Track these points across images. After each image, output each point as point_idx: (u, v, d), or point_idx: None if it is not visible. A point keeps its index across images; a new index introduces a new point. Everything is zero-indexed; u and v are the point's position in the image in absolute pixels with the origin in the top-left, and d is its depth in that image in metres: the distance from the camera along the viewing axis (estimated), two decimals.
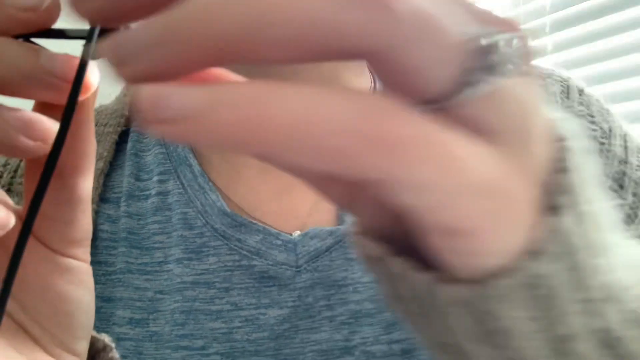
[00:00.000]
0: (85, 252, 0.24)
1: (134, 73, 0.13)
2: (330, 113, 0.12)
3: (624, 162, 0.38)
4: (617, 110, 0.96)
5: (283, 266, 0.36)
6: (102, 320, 0.36)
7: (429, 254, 0.16)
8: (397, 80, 0.14)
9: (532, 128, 0.15)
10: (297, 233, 0.37)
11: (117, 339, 0.35)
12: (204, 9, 0.12)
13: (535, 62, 0.44)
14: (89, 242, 0.24)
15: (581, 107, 0.40)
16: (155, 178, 0.40)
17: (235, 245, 0.37)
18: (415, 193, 0.13)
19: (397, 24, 0.12)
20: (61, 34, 0.19)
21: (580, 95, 0.41)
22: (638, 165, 0.38)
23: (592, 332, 0.17)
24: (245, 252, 0.37)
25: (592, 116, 0.39)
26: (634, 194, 0.36)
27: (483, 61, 0.13)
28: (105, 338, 0.27)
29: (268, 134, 0.12)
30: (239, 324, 0.35)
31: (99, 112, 0.45)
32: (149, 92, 0.12)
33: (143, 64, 0.13)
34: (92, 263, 0.38)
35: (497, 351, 0.17)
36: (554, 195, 0.15)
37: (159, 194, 0.39)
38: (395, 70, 0.13)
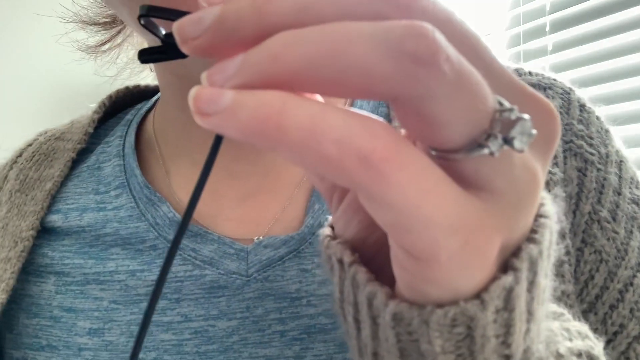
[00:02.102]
0: None
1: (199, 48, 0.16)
2: (332, 129, 0.14)
3: (618, 193, 0.37)
4: (617, 111, 0.96)
5: (234, 275, 0.35)
6: (55, 328, 0.36)
7: (384, 266, 0.19)
8: (416, 127, 0.16)
9: (528, 199, 0.17)
10: (258, 239, 0.36)
11: (79, 349, 0.35)
12: (283, 45, 0.15)
13: (539, 69, 0.42)
14: None
15: (580, 127, 0.38)
16: (112, 192, 0.40)
17: (189, 255, 0.36)
18: (386, 212, 0.15)
19: (439, 81, 0.14)
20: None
21: (580, 112, 0.39)
22: (630, 199, 0.37)
23: None
24: (198, 262, 0.36)
25: (591, 138, 0.38)
26: (625, 230, 0.36)
27: (504, 131, 0.15)
28: None
29: (281, 136, 0.14)
30: (189, 336, 0.34)
31: (71, 126, 0.45)
32: (198, 91, 0.15)
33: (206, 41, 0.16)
34: (52, 274, 0.37)
35: None
36: (517, 259, 0.18)
37: (114, 208, 0.39)
38: (419, 119, 0.15)
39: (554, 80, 0.41)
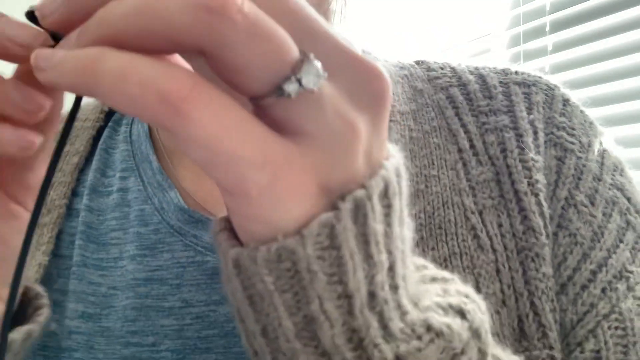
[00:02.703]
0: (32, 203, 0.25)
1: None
2: (137, 73, 0.16)
3: (598, 179, 0.37)
4: (617, 111, 0.96)
5: None
6: (55, 312, 0.36)
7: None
8: (225, 78, 0.18)
9: (343, 145, 0.18)
10: None
11: (69, 332, 0.35)
12: (105, 9, 0.18)
13: (529, 67, 0.42)
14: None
15: (562, 119, 0.39)
16: (118, 175, 0.40)
17: (190, 242, 0.36)
18: (193, 149, 0.17)
19: (232, 30, 0.16)
20: None
21: (564, 106, 0.40)
22: (612, 184, 0.37)
23: (338, 322, 0.19)
24: (200, 248, 0.36)
25: (573, 129, 0.39)
26: (604, 214, 0.36)
27: (296, 73, 0.17)
28: (37, 287, 0.29)
29: (97, 81, 0.17)
30: (190, 321, 0.35)
31: (82, 106, 0.46)
32: (38, 51, 0.18)
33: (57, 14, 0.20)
34: (57, 256, 0.38)
35: (256, 315, 0.20)
36: (341, 200, 0.19)
37: (119, 190, 0.40)
38: (223, 68, 0.17)
39: (539, 77, 0.42)
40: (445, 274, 0.25)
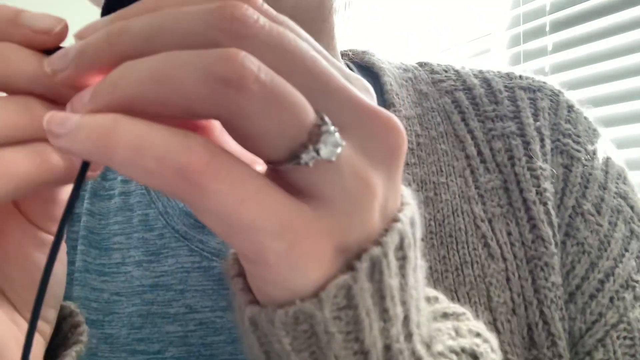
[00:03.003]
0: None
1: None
2: (152, 146, 0.16)
3: (603, 187, 0.38)
4: (617, 111, 0.96)
5: None
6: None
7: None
8: (241, 143, 0.18)
9: (360, 205, 0.18)
10: None
11: None
12: (119, 74, 0.17)
13: (531, 72, 0.43)
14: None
15: (568, 126, 0.39)
16: (119, 178, 0.40)
17: (196, 247, 0.36)
18: (211, 220, 0.17)
19: (249, 100, 0.16)
20: None
21: (568, 112, 0.40)
22: (616, 193, 0.38)
23: None
24: (206, 254, 0.36)
25: (578, 136, 0.39)
26: (609, 222, 0.37)
27: (313, 142, 0.17)
28: (71, 305, 0.29)
29: (112, 152, 0.16)
30: (194, 327, 0.34)
31: None
32: (51, 115, 0.17)
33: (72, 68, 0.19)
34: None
35: None
36: (358, 260, 0.19)
37: (121, 194, 0.39)
38: (239, 135, 0.17)
39: (544, 82, 0.42)
40: (457, 308, 0.25)
